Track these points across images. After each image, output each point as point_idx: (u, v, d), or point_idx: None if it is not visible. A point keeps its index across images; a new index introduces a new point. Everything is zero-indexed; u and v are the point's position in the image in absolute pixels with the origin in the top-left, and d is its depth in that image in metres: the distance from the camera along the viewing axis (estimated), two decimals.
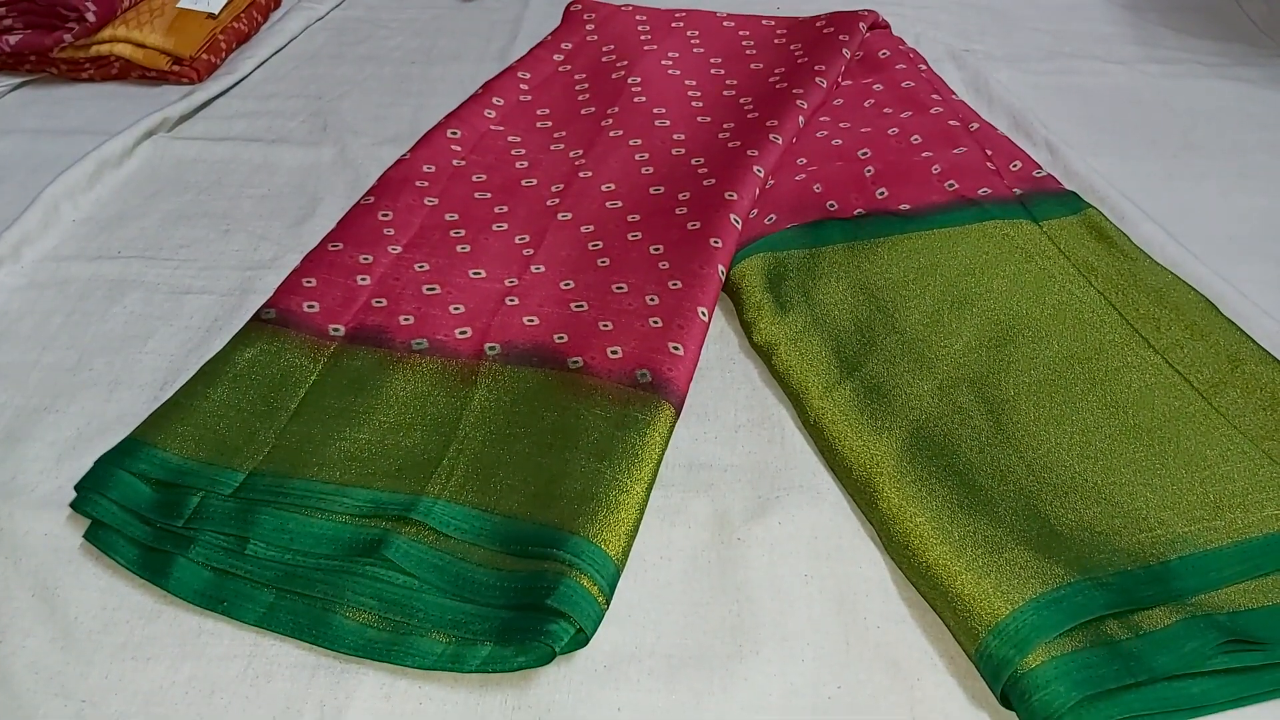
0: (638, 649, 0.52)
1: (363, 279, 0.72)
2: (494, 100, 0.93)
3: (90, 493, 0.57)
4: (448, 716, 0.49)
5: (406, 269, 0.73)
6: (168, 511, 0.56)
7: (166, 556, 0.55)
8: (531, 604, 0.51)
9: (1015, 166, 0.84)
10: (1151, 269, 0.73)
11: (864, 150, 0.87)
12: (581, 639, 0.50)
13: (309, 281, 0.71)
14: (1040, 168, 0.84)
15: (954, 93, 0.96)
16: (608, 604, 0.52)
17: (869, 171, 0.84)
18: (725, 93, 0.96)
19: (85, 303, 0.74)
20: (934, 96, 0.94)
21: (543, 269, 0.74)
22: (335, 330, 0.68)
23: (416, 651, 0.51)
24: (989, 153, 0.86)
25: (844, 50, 0.98)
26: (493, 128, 0.90)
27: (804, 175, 0.85)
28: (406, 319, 0.69)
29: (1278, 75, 1.05)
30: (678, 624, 0.54)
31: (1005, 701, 0.49)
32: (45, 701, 0.50)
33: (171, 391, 0.64)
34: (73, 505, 0.57)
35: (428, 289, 0.72)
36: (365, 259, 0.73)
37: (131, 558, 0.55)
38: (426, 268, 0.73)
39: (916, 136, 0.88)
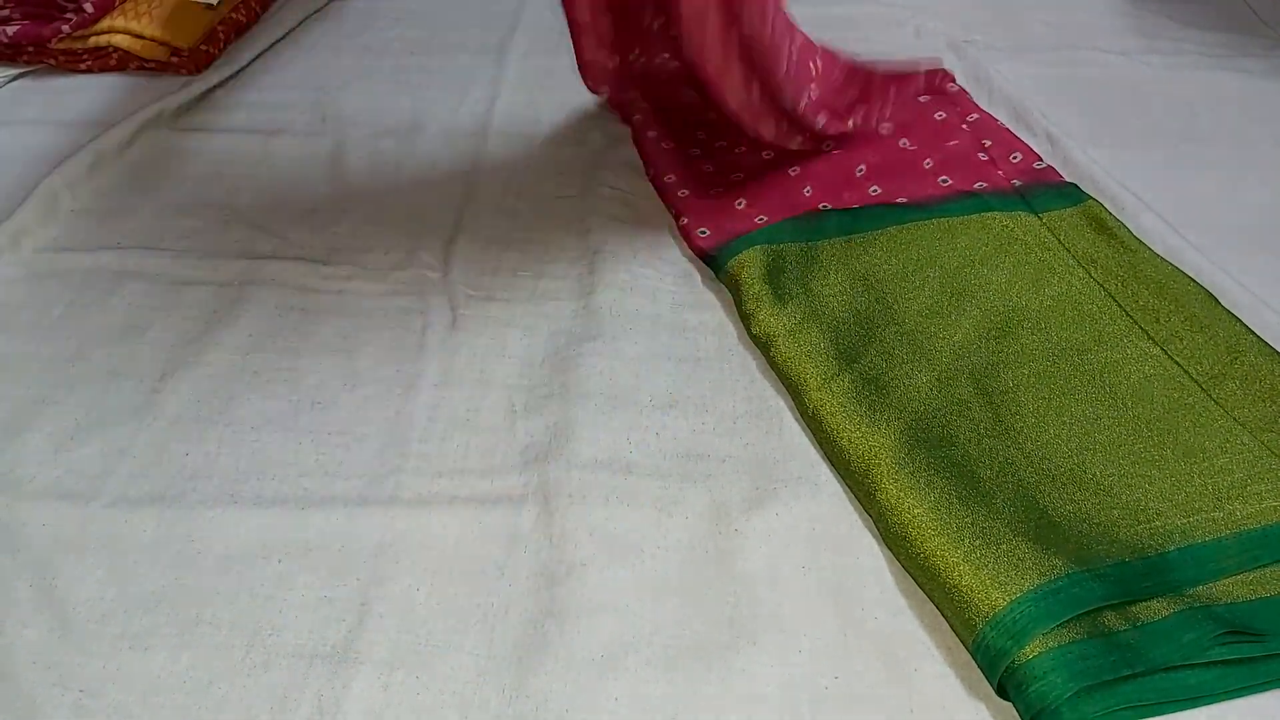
0: (635, 639, 0.52)
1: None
2: None
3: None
4: (445, 706, 0.49)
5: None
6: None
7: None
8: None
9: (1015, 158, 0.83)
10: (1151, 261, 0.72)
11: (855, 150, 0.86)
12: None
13: None
14: (1040, 159, 0.83)
15: (968, 93, 0.94)
16: None
17: (860, 170, 0.84)
18: None
19: (84, 294, 0.74)
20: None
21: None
22: None
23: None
24: (986, 144, 0.85)
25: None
26: None
27: (796, 170, 0.84)
28: None
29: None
30: (675, 615, 0.54)
31: (1002, 692, 0.49)
32: (44, 691, 0.50)
33: (170, 383, 0.63)
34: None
35: None
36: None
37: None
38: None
39: (905, 141, 0.87)
